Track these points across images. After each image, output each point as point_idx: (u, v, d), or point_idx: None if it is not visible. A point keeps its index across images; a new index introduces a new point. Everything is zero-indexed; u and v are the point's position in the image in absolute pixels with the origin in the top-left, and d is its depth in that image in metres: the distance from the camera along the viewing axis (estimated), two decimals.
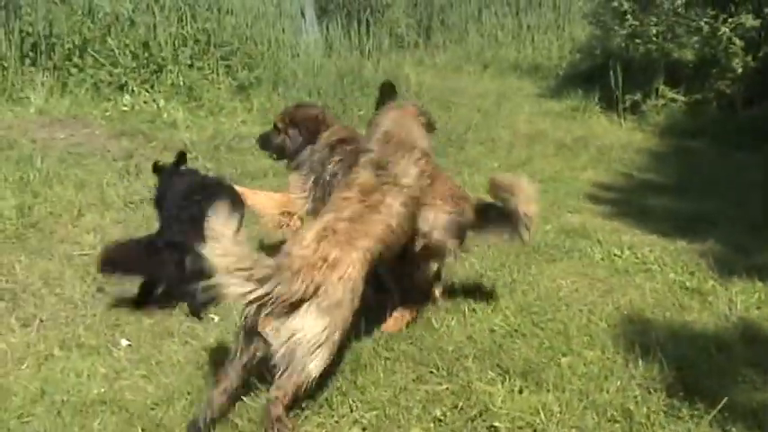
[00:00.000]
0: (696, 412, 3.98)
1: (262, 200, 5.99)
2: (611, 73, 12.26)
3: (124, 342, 4.97)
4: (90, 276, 5.86)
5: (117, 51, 11.52)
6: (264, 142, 6.12)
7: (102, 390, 4.37)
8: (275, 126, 5.98)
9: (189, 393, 4.27)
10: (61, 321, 5.24)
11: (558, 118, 12.33)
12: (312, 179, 5.66)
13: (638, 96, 12.17)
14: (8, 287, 5.74)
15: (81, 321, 5.24)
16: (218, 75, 11.85)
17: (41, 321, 5.24)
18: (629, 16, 12.48)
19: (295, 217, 5.76)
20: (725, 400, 3.94)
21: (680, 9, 12.21)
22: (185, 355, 4.75)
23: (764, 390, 4.25)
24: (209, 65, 11.92)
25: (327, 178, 5.51)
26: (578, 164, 9.89)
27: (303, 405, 4.05)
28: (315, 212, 5.30)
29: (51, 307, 5.45)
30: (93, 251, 6.23)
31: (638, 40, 12.59)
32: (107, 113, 10.66)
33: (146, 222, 6.97)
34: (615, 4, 12.72)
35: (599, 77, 12.95)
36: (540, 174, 9.22)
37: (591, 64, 14.13)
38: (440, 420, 3.99)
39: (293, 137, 5.81)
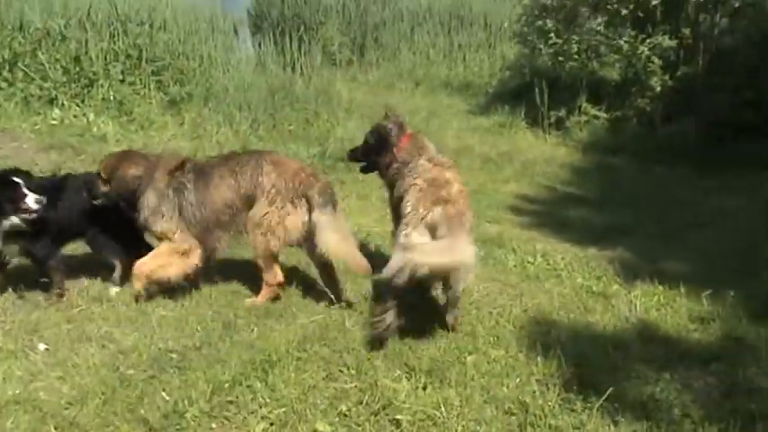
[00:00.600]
0: (589, 405, 4.20)
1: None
2: (537, 90, 12.60)
3: (42, 346, 5.04)
4: (10, 284, 5.89)
5: (48, 66, 11.49)
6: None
7: (17, 391, 4.44)
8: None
9: (103, 393, 4.36)
10: None
11: (486, 133, 12.63)
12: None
13: (562, 113, 12.55)
14: None
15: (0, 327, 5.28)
16: (149, 90, 11.88)
17: None
18: (552, 35, 12.83)
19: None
20: (610, 390, 4.17)
21: (600, 28, 12.61)
22: (101, 358, 4.84)
23: (655, 384, 4.48)
24: (140, 80, 11.94)
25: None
26: (502, 177, 10.17)
27: (214, 402, 4.18)
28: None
29: None
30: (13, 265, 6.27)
31: (561, 59, 12.95)
32: (36, 127, 10.61)
33: None
34: (540, 23, 13.08)
35: (526, 94, 13.33)
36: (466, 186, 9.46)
37: (519, 82, 14.51)
38: (345, 415, 4.15)
39: None
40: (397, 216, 5.23)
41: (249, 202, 5.58)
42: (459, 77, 16.70)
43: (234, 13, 15.96)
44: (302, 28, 17.67)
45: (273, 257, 5.63)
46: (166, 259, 5.63)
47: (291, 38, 15.36)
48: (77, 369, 4.71)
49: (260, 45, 15.45)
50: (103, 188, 5.79)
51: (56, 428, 4.07)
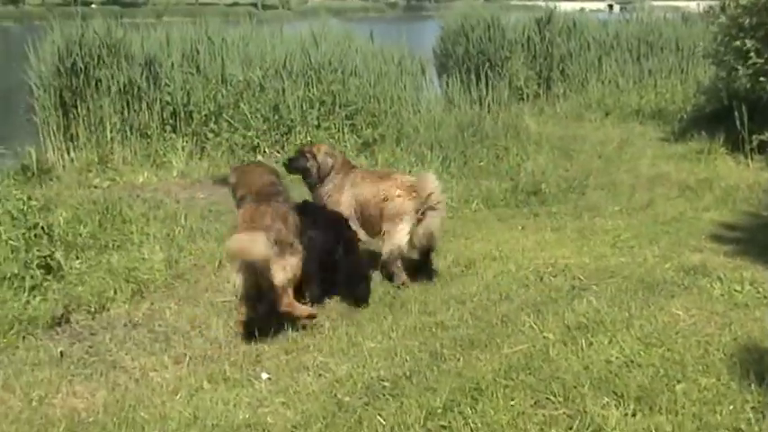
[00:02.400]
0: None
1: None
2: (737, 113, 12.19)
3: (264, 375, 5.42)
4: (232, 320, 6.37)
5: (249, 116, 12.32)
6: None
7: (247, 416, 4.80)
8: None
9: (324, 418, 4.65)
10: (208, 359, 5.76)
11: (682, 161, 12.33)
12: None
13: (765, 136, 12.02)
14: (161, 330, 6.31)
15: (225, 359, 5.73)
16: (343, 133, 12.48)
17: (191, 359, 5.76)
18: (752, 55, 12.39)
19: None
20: None
21: None
22: (319, 386, 5.15)
23: None
24: (335, 124, 12.58)
25: None
26: (702, 205, 9.90)
27: (428, 427, 4.37)
28: None
29: (199, 347, 5.99)
30: (235, 299, 6.79)
31: (762, 79, 12.46)
32: None
33: None
34: (737, 43, 12.67)
35: (724, 119, 12.89)
36: (662, 215, 9.35)
37: (716, 106, 14.04)
38: None
39: None
40: None
41: None
42: (651, 104, 16.39)
43: (421, 53, 16.37)
44: (488, 64, 17.93)
45: None
46: None
47: (478, 75, 15.65)
48: (299, 396, 5.04)
49: (447, 84, 15.80)
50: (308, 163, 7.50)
51: None
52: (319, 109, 12.63)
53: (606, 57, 18.55)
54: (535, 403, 4.64)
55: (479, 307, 6.48)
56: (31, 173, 11.15)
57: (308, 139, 12.07)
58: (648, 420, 4.31)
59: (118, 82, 12.45)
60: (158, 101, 12.52)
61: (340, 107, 12.73)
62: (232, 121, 12.30)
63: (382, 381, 5.14)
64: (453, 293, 6.86)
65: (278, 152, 11.97)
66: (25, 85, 13.21)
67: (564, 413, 4.50)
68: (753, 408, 4.40)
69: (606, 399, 4.60)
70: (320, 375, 5.36)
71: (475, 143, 12.15)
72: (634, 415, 4.40)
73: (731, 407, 4.42)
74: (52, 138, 12.59)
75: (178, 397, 5.13)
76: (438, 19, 21.42)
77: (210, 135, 12.28)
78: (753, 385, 4.64)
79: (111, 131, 12.34)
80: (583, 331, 5.62)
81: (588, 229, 8.81)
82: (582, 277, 7.02)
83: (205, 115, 12.43)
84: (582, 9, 25.63)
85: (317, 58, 13.39)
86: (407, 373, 5.21)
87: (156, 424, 4.75)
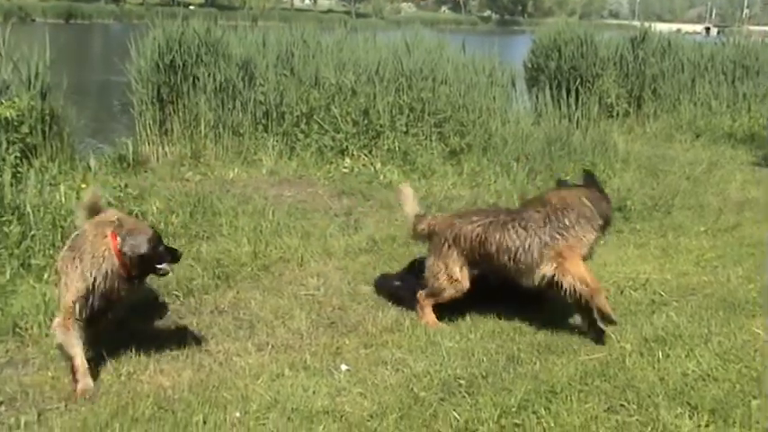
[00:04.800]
0: None
1: None
2: None
3: (344, 367, 5.61)
4: (314, 312, 6.59)
5: (339, 119, 12.54)
6: None
7: (326, 403, 4.99)
8: None
9: (400, 409, 4.81)
10: (290, 348, 5.97)
11: None
12: None
13: None
14: (246, 318, 6.55)
15: (307, 348, 5.93)
16: (431, 141, 12.61)
17: (273, 347, 5.98)
18: None
19: None
20: None
21: None
22: (397, 380, 5.32)
23: None
24: (423, 131, 12.70)
25: None
26: None
27: (502, 423, 4.49)
28: None
29: (281, 336, 6.20)
30: (318, 292, 7.04)
31: None
32: (329, 175, 11.60)
33: (363, 269, 7.73)
34: None
35: None
36: (748, 238, 9.24)
37: None
38: None
39: None
40: None
41: None
42: (744, 128, 16.13)
43: (512, 66, 16.42)
44: (579, 80, 17.85)
45: None
46: None
47: (568, 90, 15.63)
48: (376, 388, 5.21)
49: (537, 97, 15.82)
50: None
51: None
52: (408, 115, 12.78)
53: (700, 78, 18.28)
54: (608, 408, 4.73)
55: (557, 316, 6.55)
56: (126, 164, 11.54)
57: (396, 144, 12.25)
58: (722, 431, 4.35)
59: (214, 80, 12.79)
60: (252, 100, 12.83)
61: (429, 114, 12.86)
62: (322, 123, 12.54)
63: (458, 379, 5.27)
64: (531, 301, 6.94)
65: (365, 156, 12.17)
66: (123, 83, 13.70)
67: (637, 420, 4.58)
68: None
69: (680, 409, 4.67)
70: (398, 370, 5.51)
71: (562, 157, 12.14)
72: (707, 426, 4.46)
73: None
74: (148, 132, 12.99)
75: (260, 381, 5.33)
76: (531, 33, 21.41)
77: (301, 136, 12.54)
78: None
79: (204, 128, 12.68)
80: (660, 344, 5.67)
81: (672, 247, 8.78)
82: (663, 293, 7.04)
83: (297, 116, 12.69)
84: (678, 30, 25.27)
85: (408, 66, 13.55)
86: (484, 374, 5.34)
87: (238, 404, 4.96)
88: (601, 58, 18.55)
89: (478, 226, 6.32)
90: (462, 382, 5.20)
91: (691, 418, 4.54)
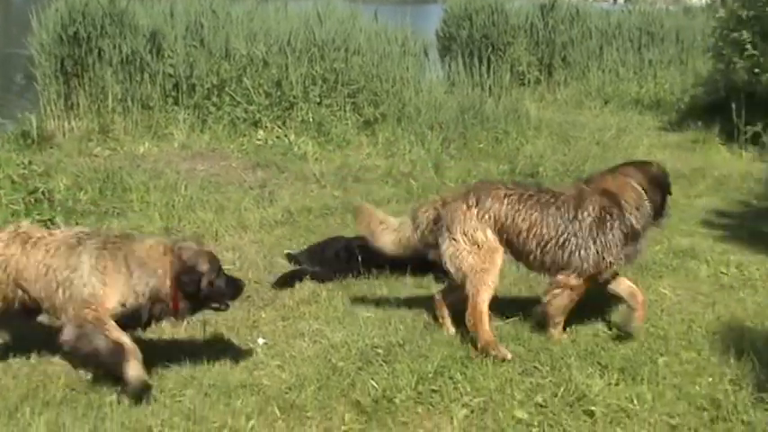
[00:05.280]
0: None
1: None
2: (733, 105, 12.32)
3: (261, 340, 5.59)
4: None
5: (252, 90, 12.40)
6: None
7: (243, 377, 4.97)
8: None
9: (318, 380, 4.82)
10: (206, 323, 5.88)
11: (678, 149, 12.49)
12: None
13: (759, 127, 12.16)
14: None
15: (223, 324, 5.87)
16: (345, 111, 12.57)
17: (188, 324, 5.86)
18: (749, 47, 12.52)
19: None
20: None
21: None
22: (315, 351, 5.33)
23: None
24: (337, 102, 12.66)
25: None
26: (694, 192, 10.06)
27: (419, 390, 4.55)
28: None
29: None
30: (233, 266, 6.97)
31: (758, 71, 12.59)
32: (243, 147, 11.50)
33: (279, 242, 7.71)
34: (735, 35, 12.79)
35: (720, 110, 13.03)
36: None
37: (713, 97, 14.17)
38: (541, 406, 4.43)
39: None
40: None
41: None
42: (650, 94, 16.50)
43: (424, 35, 16.46)
44: (490, 48, 18.01)
45: None
46: None
47: (480, 58, 15.76)
48: (294, 360, 5.21)
49: (449, 66, 15.90)
50: None
51: (279, 409, 4.53)
52: (322, 86, 12.71)
53: (608, 46, 18.60)
54: (523, 371, 4.83)
55: None
56: (31, 140, 11.20)
57: (310, 115, 12.19)
58: (630, 390, 4.51)
59: (120, 52, 12.50)
60: (161, 73, 12.58)
61: (342, 85, 12.81)
62: (234, 95, 12.39)
63: (376, 348, 5.29)
64: None
65: (279, 127, 12.07)
66: (25, 56, 13.29)
67: (550, 381, 4.69)
68: (731, 380, 4.59)
69: (591, 369, 4.80)
70: (315, 341, 5.52)
71: (475, 125, 12.26)
72: (617, 384, 4.60)
73: (710, 379, 4.62)
74: (52, 106, 12.65)
75: (175, 358, 5.28)
76: (442, 2, 21.46)
77: (212, 108, 12.36)
78: (732, 360, 4.84)
79: (112, 102, 12.40)
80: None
81: None
82: None
83: (207, 89, 12.51)
84: None
85: (320, 36, 13.45)
86: (401, 342, 5.38)
87: (154, 382, 4.88)
88: (512, 27, 18.75)
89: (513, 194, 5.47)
90: (380, 350, 5.22)
91: (601, 377, 4.67)
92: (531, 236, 5.33)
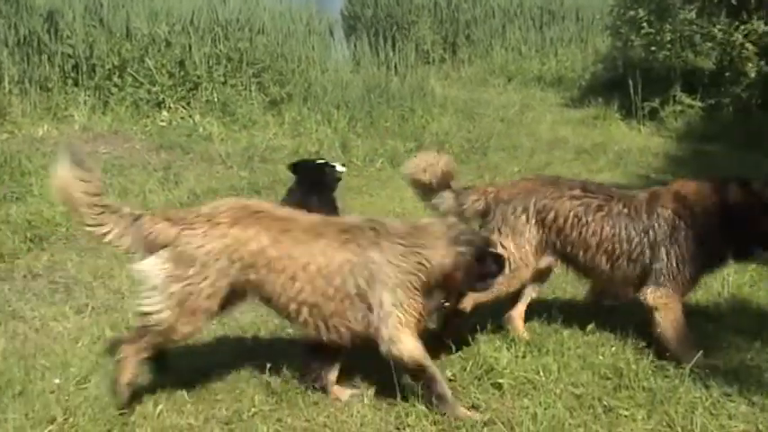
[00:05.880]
0: (681, 370, 4.44)
1: None
2: (631, 82, 12.65)
3: None
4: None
5: (154, 71, 12.14)
6: None
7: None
8: None
9: (227, 364, 4.79)
10: (111, 308, 5.82)
11: (580, 125, 12.76)
12: None
13: (656, 103, 12.52)
14: (62, 281, 6.34)
15: (129, 309, 5.76)
16: (250, 91, 12.42)
17: (93, 309, 5.82)
18: (645, 25, 12.85)
19: None
20: (700, 354, 4.39)
21: (692, 16, 12.52)
22: (225, 334, 5.32)
23: (746, 351, 4.68)
24: (242, 82, 12.50)
25: None
26: (596, 167, 10.30)
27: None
28: None
29: (101, 297, 6.06)
30: None
31: (654, 49, 12.96)
32: (146, 129, 11.28)
33: None
34: (632, 13, 13.12)
35: (619, 86, 13.36)
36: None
37: (612, 74, 14.54)
38: (451, 380, 4.52)
39: None
40: None
41: None
42: (552, 71, 16.78)
43: (329, 14, 16.41)
44: (395, 27, 18.06)
45: None
46: None
47: (385, 37, 15.78)
48: (204, 343, 5.16)
49: (355, 45, 15.87)
50: None
51: (188, 393, 4.51)
52: (226, 66, 12.53)
53: (510, 24, 18.84)
54: (433, 350, 4.87)
55: None
56: None
57: (215, 95, 12.02)
58: (537, 361, 4.62)
59: (17, 32, 12.09)
60: (59, 53, 12.20)
61: (247, 65, 12.65)
62: (137, 76, 12.10)
63: (286, 329, 5.26)
64: None
65: (183, 108, 11.87)
66: None
67: (459, 356, 4.76)
68: (632, 350, 4.73)
69: (499, 343, 4.89)
70: (225, 324, 5.44)
71: (381, 104, 12.27)
72: (524, 357, 4.71)
73: (613, 349, 4.76)
74: None
75: (80, 345, 5.19)
76: None
77: (114, 89, 12.05)
78: (633, 331, 4.99)
79: (9, 83, 11.97)
80: None
81: None
82: None
83: (109, 69, 12.18)
84: None
85: (224, 15, 13.28)
86: None
87: (58, 371, 4.79)
88: (416, 6, 18.85)
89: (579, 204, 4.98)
90: (290, 331, 5.18)
91: (509, 350, 4.77)
92: (600, 251, 4.91)
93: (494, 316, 5.32)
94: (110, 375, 4.45)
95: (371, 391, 4.46)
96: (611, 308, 5.38)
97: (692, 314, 5.23)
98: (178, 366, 4.78)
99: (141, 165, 9.71)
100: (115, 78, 12.18)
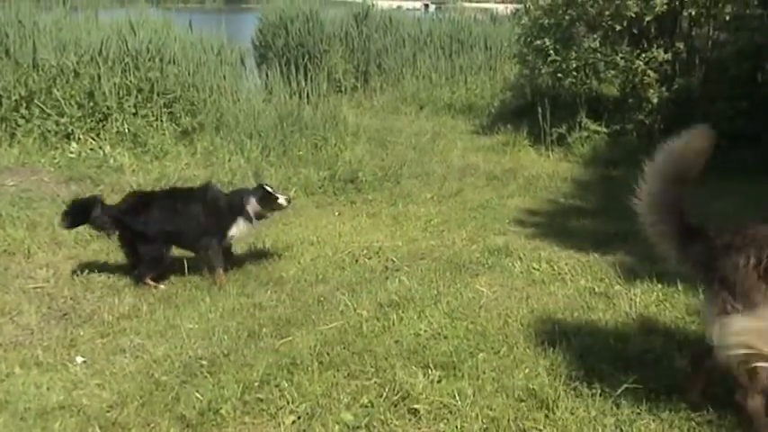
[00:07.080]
0: (593, 390, 4.53)
1: None
2: (539, 109, 12.96)
3: (79, 359, 5.39)
4: (45, 305, 6.27)
5: (63, 102, 11.89)
6: None
7: (61, 398, 4.78)
8: None
9: (141, 397, 4.71)
10: (20, 345, 5.65)
11: (490, 152, 12.99)
12: None
13: (563, 129, 12.86)
14: None
15: (38, 344, 5.65)
16: (162, 121, 12.28)
17: (0, 345, 5.63)
18: (551, 53, 13.19)
19: None
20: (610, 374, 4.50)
21: (596, 45, 12.90)
22: (137, 367, 5.19)
23: (654, 369, 4.80)
24: (153, 112, 12.34)
25: None
26: (507, 192, 10.49)
27: (245, 399, 4.53)
28: None
29: (9, 333, 5.86)
30: (47, 284, 6.73)
31: (560, 76, 13.32)
32: (55, 161, 11.01)
33: (95, 257, 7.46)
34: (538, 42, 13.45)
35: (528, 113, 13.70)
36: (470, 202, 9.86)
37: (520, 101, 14.90)
38: (366, 407, 4.49)
39: None
40: None
41: None
42: (462, 99, 17.07)
43: (240, 44, 16.38)
44: (307, 56, 18.13)
45: None
46: None
47: (297, 66, 15.80)
48: (115, 377, 5.05)
49: (267, 74, 15.86)
50: None
51: (100, 428, 4.39)
52: (137, 96, 12.35)
53: (420, 53, 19.13)
54: (348, 375, 4.88)
55: (297, 288, 6.69)
56: None
57: (125, 126, 11.84)
58: (452, 385, 4.64)
59: None
60: None
61: (158, 95, 12.50)
62: (44, 107, 11.84)
63: (200, 360, 5.23)
64: (272, 276, 7.04)
65: (93, 139, 11.65)
66: None
67: (375, 382, 4.76)
68: (546, 371, 4.81)
69: (414, 368, 4.90)
70: (137, 357, 5.38)
71: (294, 133, 12.27)
72: (440, 381, 4.72)
73: (527, 371, 4.82)
74: None
75: None
76: (257, 11, 21.40)
77: (21, 121, 11.76)
78: (546, 351, 5.08)
79: None
80: (394, 308, 5.92)
81: (402, 215, 9.20)
82: (395, 259, 7.37)
83: (15, 101, 11.89)
84: (399, 7, 26.28)
85: (134, 45, 13.09)
86: (225, 352, 5.34)
87: None
88: (327, 35, 18.99)
89: None
90: (204, 362, 5.16)
91: (424, 375, 4.79)
92: None
93: (407, 341, 5.36)
94: None
95: None
96: (526, 331, 5.48)
97: (600, 334, 5.40)
98: (89, 402, 4.69)
99: (50, 197, 9.48)
100: (22, 110, 11.90)
